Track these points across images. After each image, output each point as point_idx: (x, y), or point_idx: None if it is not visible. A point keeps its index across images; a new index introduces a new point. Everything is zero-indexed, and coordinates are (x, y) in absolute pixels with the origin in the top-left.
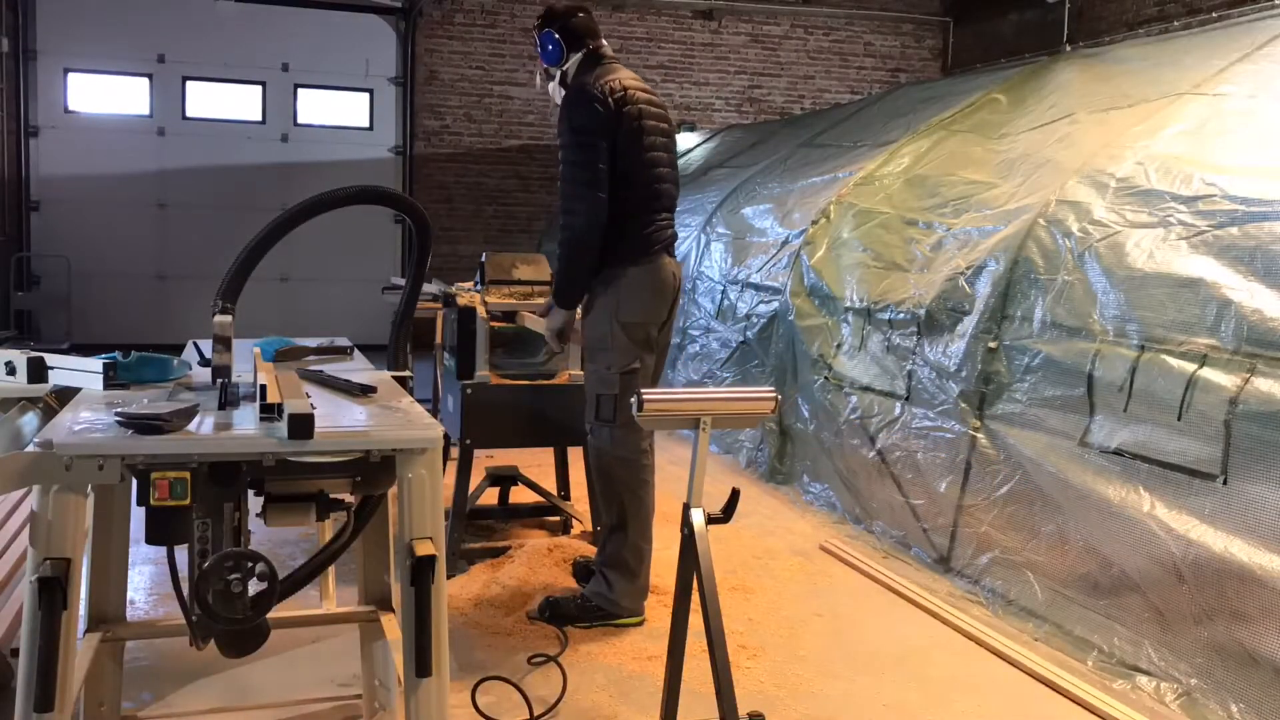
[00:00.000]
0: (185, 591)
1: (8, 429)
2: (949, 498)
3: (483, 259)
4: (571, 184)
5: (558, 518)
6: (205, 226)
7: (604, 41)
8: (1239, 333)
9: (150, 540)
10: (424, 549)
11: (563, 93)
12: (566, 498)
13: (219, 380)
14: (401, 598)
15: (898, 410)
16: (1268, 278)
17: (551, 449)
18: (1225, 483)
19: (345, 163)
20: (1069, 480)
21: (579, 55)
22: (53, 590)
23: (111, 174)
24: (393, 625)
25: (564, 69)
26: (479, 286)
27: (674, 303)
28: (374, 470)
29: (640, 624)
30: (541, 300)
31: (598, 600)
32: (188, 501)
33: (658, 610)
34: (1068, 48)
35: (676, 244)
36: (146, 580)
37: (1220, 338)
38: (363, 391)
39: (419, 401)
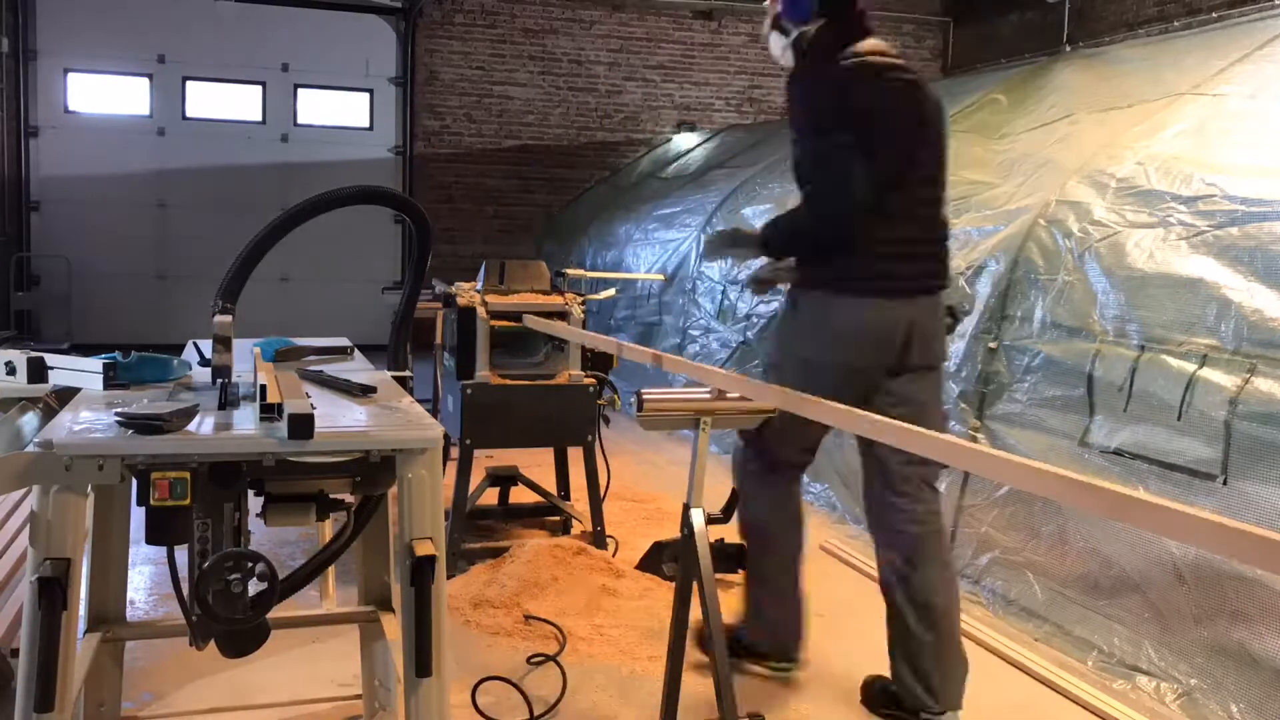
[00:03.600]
0: (185, 591)
1: (8, 429)
2: (949, 498)
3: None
4: (818, 180)
5: (558, 518)
6: (205, 226)
7: (865, 12)
8: (1239, 333)
9: (150, 540)
10: (424, 549)
11: (792, 58)
12: (566, 498)
13: (219, 380)
14: (401, 598)
15: None
16: (1268, 278)
17: (551, 449)
18: (1225, 483)
19: (345, 163)
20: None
21: (823, 23)
22: (53, 590)
23: (111, 174)
24: (393, 625)
25: (804, 30)
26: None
27: (899, 350)
28: (374, 470)
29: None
30: (540, 300)
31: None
32: (188, 501)
33: (658, 609)
34: (1068, 48)
35: (675, 248)
36: (146, 580)
37: (1220, 338)
38: (363, 391)
39: (419, 401)
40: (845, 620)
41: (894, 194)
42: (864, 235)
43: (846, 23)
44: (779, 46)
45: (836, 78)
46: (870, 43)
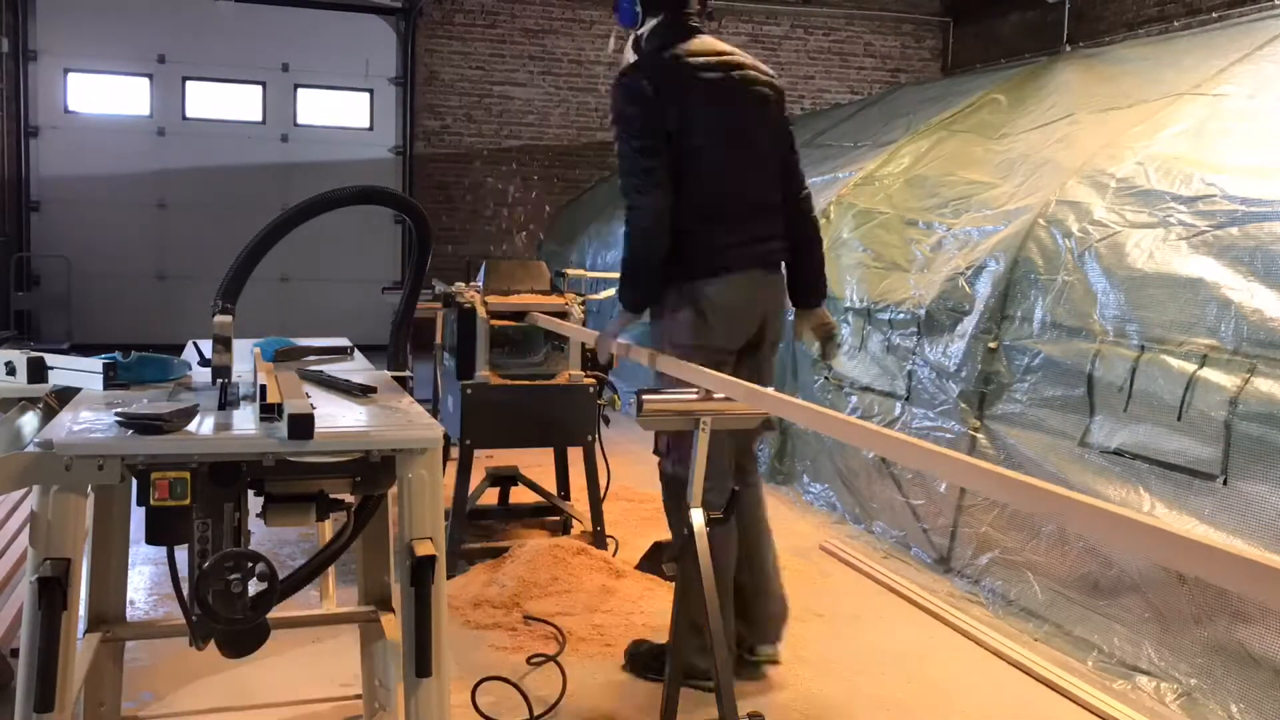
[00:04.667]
0: (185, 591)
1: (8, 429)
2: (949, 498)
3: (482, 268)
4: (624, 178)
5: (558, 518)
6: (205, 226)
7: (694, 9)
8: (1239, 333)
9: (150, 540)
10: (424, 549)
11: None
12: (566, 498)
13: (219, 380)
14: (401, 598)
15: (898, 410)
16: (1268, 278)
17: (551, 449)
18: (1225, 483)
19: (345, 163)
20: (1069, 480)
21: (655, 21)
22: (53, 590)
23: (111, 174)
24: (393, 625)
25: (639, 34)
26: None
27: (758, 325)
28: (374, 470)
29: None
30: (540, 300)
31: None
32: (188, 501)
33: (658, 609)
34: (1068, 48)
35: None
36: (146, 580)
37: (1220, 338)
38: (363, 392)
39: (419, 401)
40: (845, 620)
41: (715, 184)
42: (698, 228)
43: (672, 24)
44: (626, 54)
45: (637, 77)
46: (697, 42)
